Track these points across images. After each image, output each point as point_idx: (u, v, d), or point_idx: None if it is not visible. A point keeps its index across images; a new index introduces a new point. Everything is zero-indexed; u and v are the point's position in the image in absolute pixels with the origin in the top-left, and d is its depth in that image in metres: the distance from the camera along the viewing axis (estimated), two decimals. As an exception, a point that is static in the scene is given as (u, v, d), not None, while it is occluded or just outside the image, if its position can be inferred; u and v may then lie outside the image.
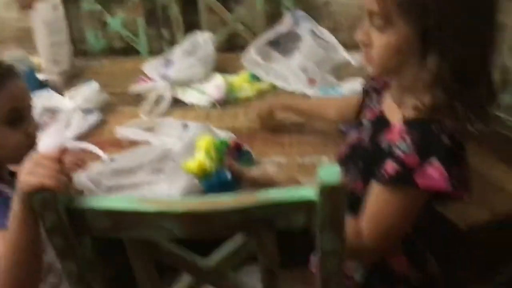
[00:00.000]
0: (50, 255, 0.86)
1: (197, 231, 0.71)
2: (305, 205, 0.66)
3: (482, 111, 0.91)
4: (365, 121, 1.03)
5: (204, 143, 0.99)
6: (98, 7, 1.92)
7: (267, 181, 0.99)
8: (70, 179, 0.78)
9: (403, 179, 0.86)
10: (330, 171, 0.64)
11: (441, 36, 0.84)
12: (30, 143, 1.00)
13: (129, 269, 0.80)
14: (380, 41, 0.89)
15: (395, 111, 0.95)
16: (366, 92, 1.09)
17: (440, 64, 0.85)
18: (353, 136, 1.06)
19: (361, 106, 1.10)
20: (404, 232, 0.94)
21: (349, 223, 0.89)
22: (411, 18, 0.84)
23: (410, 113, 0.90)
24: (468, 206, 1.49)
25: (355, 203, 0.94)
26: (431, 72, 0.85)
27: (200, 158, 0.97)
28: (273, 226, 0.70)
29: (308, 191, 0.66)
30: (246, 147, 1.05)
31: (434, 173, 0.84)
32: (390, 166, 0.87)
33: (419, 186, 0.85)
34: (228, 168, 0.98)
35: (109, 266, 0.87)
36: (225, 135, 1.03)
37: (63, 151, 0.77)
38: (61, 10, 1.69)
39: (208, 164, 0.96)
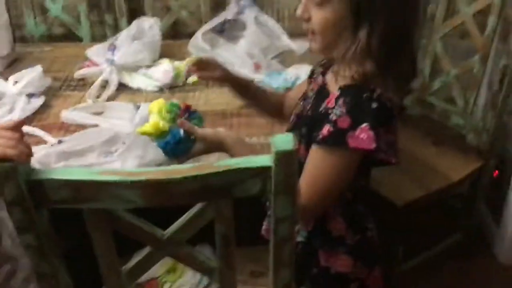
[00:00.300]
0: (5, 243, 0.86)
1: (157, 200, 0.74)
2: (261, 172, 0.71)
3: (406, 85, 1.02)
4: (310, 92, 1.11)
5: (156, 105, 1.03)
6: (38, -9, 1.88)
7: (219, 139, 1.03)
8: (30, 149, 0.79)
9: (336, 139, 0.93)
10: (284, 139, 0.69)
11: (371, 11, 0.92)
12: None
13: (84, 244, 0.81)
14: (318, 16, 0.96)
15: (334, 81, 1.02)
16: (312, 71, 1.16)
17: (370, 36, 0.93)
18: (298, 107, 1.13)
19: (308, 84, 1.16)
20: (338, 192, 1.01)
21: None
22: None
23: (345, 81, 0.97)
24: (404, 184, 1.60)
25: (301, 170, 0.99)
26: (362, 44, 0.93)
27: (153, 119, 1.01)
28: (230, 193, 0.74)
29: (263, 159, 0.71)
30: (195, 108, 1.09)
31: (363, 135, 0.92)
32: (325, 129, 0.94)
33: (349, 147, 0.92)
34: (181, 126, 1.02)
35: (65, 239, 0.88)
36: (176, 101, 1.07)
37: (22, 123, 0.77)
38: (0, -6, 1.65)
39: (161, 123, 1.00)
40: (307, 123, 1.04)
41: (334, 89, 1.00)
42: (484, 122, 1.64)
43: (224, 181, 0.72)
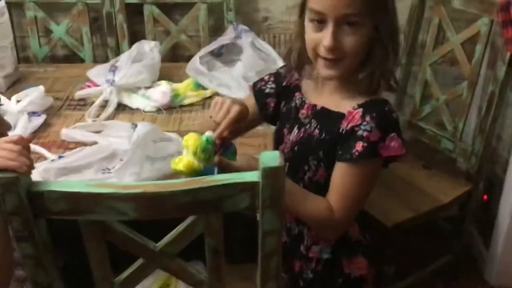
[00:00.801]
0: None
1: (150, 213, 0.78)
2: (249, 187, 0.75)
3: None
4: (302, 118, 1.13)
5: (191, 141, 0.97)
6: (43, 14, 1.94)
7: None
8: (31, 161, 0.83)
9: (371, 153, 1.00)
10: (271, 156, 0.73)
11: (392, 28, 1.02)
12: None
13: (80, 256, 0.85)
14: (352, 41, 1.00)
15: (340, 101, 1.07)
16: (277, 94, 1.20)
17: (389, 52, 1.02)
18: (293, 134, 1.14)
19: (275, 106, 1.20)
20: (367, 200, 1.08)
21: (322, 201, 1.03)
22: (377, 12, 0.99)
23: (361, 99, 1.04)
24: (394, 206, 1.63)
25: (322, 192, 1.06)
26: (386, 61, 1.02)
27: (189, 158, 0.96)
28: (220, 208, 0.78)
29: (252, 175, 0.75)
30: (229, 140, 1.03)
31: (394, 143, 1.01)
32: (358, 145, 1.00)
33: (382, 156, 1.01)
34: (217, 164, 0.98)
35: (63, 251, 0.91)
36: (208, 133, 0.98)
37: (29, 140, 0.82)
38: (6, 15, 1.71)
39: (196, 164, 0.95)
40: (324, 146, 1.08)
41: (345, 108, 1.05)
42: (473, 146, 1.68)
43: (214, 195, 0.76)
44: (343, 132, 1.04)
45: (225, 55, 1.82)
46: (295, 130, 1.14)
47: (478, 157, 1.67)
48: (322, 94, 1.11)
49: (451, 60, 1.90)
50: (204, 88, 1.69)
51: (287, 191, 1.00)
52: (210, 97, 1.66)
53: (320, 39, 1.00)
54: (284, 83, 1.20)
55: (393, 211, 1.61)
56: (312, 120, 1.11)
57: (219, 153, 1.00)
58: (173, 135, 1.33)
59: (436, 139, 1.79)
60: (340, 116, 1.06)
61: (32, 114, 1.50)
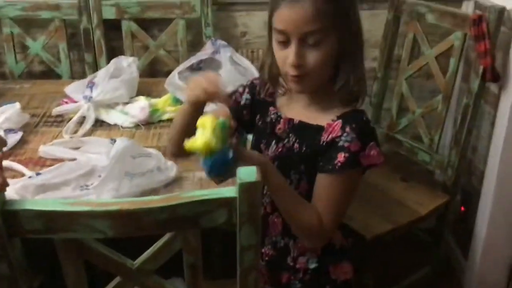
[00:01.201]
0: None
1: (127, 230, 0.77)
2: (226, 202, 0.75)
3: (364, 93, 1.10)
4: (281, 133, 1.13)
5: (208, 122, 0.94)
6: (19, 30, 1.92)
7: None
8: (4, 179, 0.82)
9: (353, 163, 1.02)
10: (248, 171, 0.74)
11: (356, 39, 1.03)
12: None
13: (56, 276, 0.83)
14: (315, 57, 1.00)
15: (317, 114, 1.08)
16: (252, 105, 1.20)
17: (358, 63, 1.04)
18: (271, 149, 1.15)
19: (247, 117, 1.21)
20: (348, 208, 1.10)
21: (314, 209, 1.04)
22: (341, 25, 1.00)
23: (338, 110, 1.06)
24: (372, 218, 1.64)
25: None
26: (356, 71, 1.03)
27: (207, 136, 0.92)
28: (198, 223, 0.77)
29: (229, 190, 0.75)
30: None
31: (373, 152, 1.03)
32: (340, 156, 1.02)
33: (363, 165, 1.03)
34: (233, 147, 0.96)
35: (38, 271, 0.90)
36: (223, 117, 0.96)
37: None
38: (-19, 32, 1.70)
39: (214, 142, 0.93)
40: (305, 160, 1.09)
41: (324, 121, 1.06)
42: (449, 158, 1.71)
43: (191, 211, 0.76)
44: (324, 144, 1.05)
45: (204, 70, 1.82)
46: (273, 146, 1.14)
47: (454, 169, 1.69)
48: (297, 108, 1.12)
49: (426, 73, 1.94)
50: (182, 103, 1.69)
51: (283, 188, 1.03)
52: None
53: (286, 56, 1.02)
54: (258, 96, 1.20)
55: (372, 223, 1.62)
56: (290, 134, 1.12)
57: (235, 135, 1.00)
58: (153, 151, 1.33)
59: (413, 151, 1.82)
60: (319, 128, 1.07)
61: (8, 131, 1.48)
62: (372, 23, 1.94)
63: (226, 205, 0.76)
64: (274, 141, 1.14)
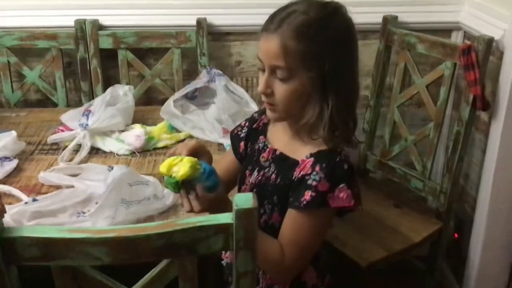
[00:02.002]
0: None
1: (123, 257, 0.77)
2: (223, 228, 0.76)
3: (352, 138, 1.10)
4: (263, 161, 1.16)
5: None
6: (16, 59, 1.95)
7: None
8: (2, 207, 0.82)
9: (319, 203, 1.02)
10: (244, 198, 0.75)
11: (336, 80, 1.02)
12: None
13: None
14: (284, 90, 1.03)
15: (297, 148, 1.09)
16: (247, 136, 1.23)
17: (337, 100, 1.02)
18: (253, 176, 1.17)
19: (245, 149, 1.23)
20: (317, 247, 1.09)
21: (277, 244, 1.04)
22: (311, 66, 1.01)
23: (315, 148, 1.06)
24: (367, 245, 1.65)
25: (276, 236, 1.07)
26: (331, 109, 1.02)
27: (188, 161, 0.96)
28: (194, 250, 0.78)
29: (225, 216, 0.76)
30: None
31: (343, 195, 1.02)
32: (307, 194, 1.02)
33: (331, 207, 1.02)
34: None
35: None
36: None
37: None
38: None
39: (194, 161, 0.97)
40: (278, 192, 1.10)
41: (300, 156, 1.07)
42: (442, 185, 1.73)
43: (188, 238, 0.77)
44: (295, 179, 1.06)
45: (199, 98, 1.85)
46: (255, 173, 1.16)
47: (446, 196, 1.71)
48: (283, 139, 1.14)
49: (418, 101, 1.97)
50: (178, 131, 1.71)
51: None
52: (184, 140, 1.68)
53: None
54: (254, 125, 1.23)
55: (367, 251, 1.63)
56: (271, 164, 1.14)
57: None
58: (150, 178, 1.34)
59: (406, 178, 1.83)
60: (295, 163, 1.08)
61: (4, 159, 1.49)
62: (364, 52, 1.98)
63: (222, 231, 0.77)
64: (257, 169, 1.16)
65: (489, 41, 1.56)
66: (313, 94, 1.03)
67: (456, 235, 1.95)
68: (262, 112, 1.21)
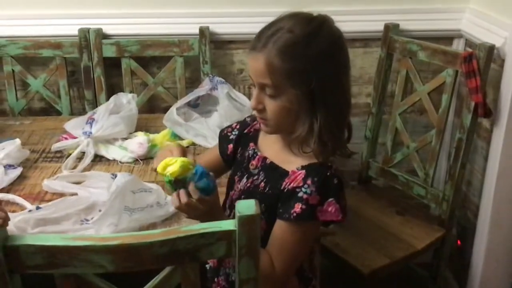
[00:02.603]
0: None
1: (127, 265, 0.78)
2: (225, 235, 0.76)
3: (345, 150, 1.11)
4: (252, 168, 1.17)
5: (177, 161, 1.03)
6: (20, 68, 1.96)
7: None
8: (6, 214, 0.83)
9: (308, 215, 1.03)
10: (246, 204, 0.75)
11: (326, 94, 1.03)
12: None
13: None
14: (274, 106, 1.05)
15: (288, 159, 1.10)
16: (237, 140, 1.25)
17: (326, 115, 1.03)
18: (242, 182, 1.18)
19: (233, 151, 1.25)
20: (304, 257, 1.10)
21: (265, 254, 1.04)
22: (298, 83, 1.02)
23: (306, 160, 1.07)
24: (369, 253, 1.65)
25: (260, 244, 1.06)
26: (321, 123, 1.03)
27: (180, 161, 1.02)
28: (197, 257, 0.79)
29: (228, 223, 0.77)
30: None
31: (331, 209, 1.04)
32: (297, 207, 1.03)
33: (319, 220, 1.04)
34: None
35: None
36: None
37: None
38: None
39: (187, 160, 1.03)
40: (265, 200, 1.10)
41: (291, 167, 1.08)
42: (444, 192, 1.73)
43: (191, 245, 0.77)
44: (285, 190, 1.07)
45: (202, 106, 1.86)
46: (244, 180, 1.17)
47: (449, 203, 1.71)
48: (275, 148, 1.15)
49: (420, 109, 1.98)
50: (180, 139, 1.72)
51: None
52: (187, 147, 1.68)
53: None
54: (245, 130, 1.24)
55: (369, 258, 1.63)
56: (261, 172, 1.15)
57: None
58: (153, 186, 1.34)
59: (408, 185, 1.84)
60: (285, 173, 1.09)
61: (8, 167, 1.50)
62: (366, 60, 1.99)
63: (225, 238, 0.77)
64: (246, 176, 1.17)
65: (490, 49, 1.57)
66: (302, 110, 1.04)
67: (458, 242, 1.95)
68: (254, 118, 1.22)
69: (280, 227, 1.06)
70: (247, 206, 0.75)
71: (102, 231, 1.15)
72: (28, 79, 1.98)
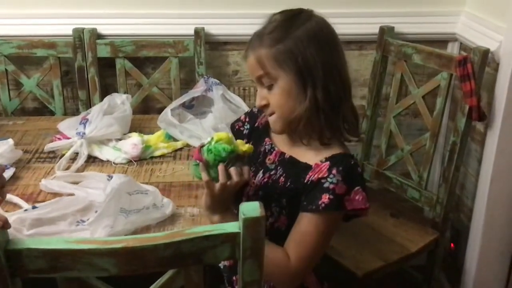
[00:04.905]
0: None
1: (131, 267, 0.77)
2: (230, 237, 0.76)
3: (355, 130, 1.14)
4: (270, 164, 1.17)
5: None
6: (13, 67, 1.94)
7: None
8: (5, 218, 0.82)
9: (337, 205, 1.04)
10: (251, 206, 0.75)
11: (313, 70, 1.05)
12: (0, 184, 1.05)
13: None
14: (274, 96, 1.08)
15: (304, 152, 1.12)
16: (249, 134, 1.27)
17: (323, 95, 1.05)
18: (258, 177, 1.18)
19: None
20: (324, 251, 1.10)
21: (279, 250, 1.04)
22: (286, 64, 1.05)
23: (328, 152, 1.09)
24: (363, 255, 1.65)
25: (281, 239, 1.08)
26: (319, 103, 1.05)
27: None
28: (201, 259, 0.78)
29: (232, 225, 0.76)
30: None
31: (359, 197, 1.05)
32: (325, 197, 1.03)
33: (347, 209, 1.04)
34: None
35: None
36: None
37: None
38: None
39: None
40: (287, 195, 1.11)
41: (313, 160, 1.09)
42: (438, 195, 1.74)
43: (195, 247, 0.77)
44: (308, 183, 1.07)
45: (196, 107, 1.85)
46: (260, 174, 1.17)
47: (443, 206, 1.72)
48: (290, 143, 1.16)
49: (414, 112, 1.99)
50: (175, 140, 1.71)
51: None
52: (181, 149, 1.68)
53: None
54: (255, 124, 1.25)
55: (363, 260, 1.63)
56: (278, 167, 1.15)
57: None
58: (150, 187, 1.33)
59: (402, 188, 1.84)
60: (307, 167, 1.09)
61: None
62: (361, 63, 2.00)
63: (229, 240, 0.77)
64: (261, 170, 1.18)
65: (485, 53, 1.58)
66: (299, 91, 1.06)
67: (452, 245, 1.96)
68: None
69: (303, 219, 1.06)
70: (252, 208, 0.75)
71: (97, 233, 1.13)
72: (21, 78, 1.96)
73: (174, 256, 0.76)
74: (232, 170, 1.05)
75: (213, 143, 1.07)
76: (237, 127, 1.29)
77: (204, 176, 1.06)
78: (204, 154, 1.06)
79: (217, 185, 1.05)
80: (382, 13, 1.93)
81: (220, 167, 1.04)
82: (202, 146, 1.09)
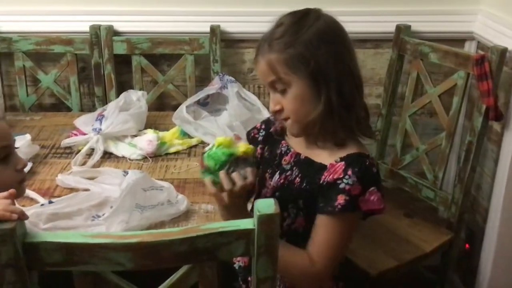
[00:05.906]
0: None
1: (146, 262, 0.78)
2: (245, 234, 0.76)
3: (368, 130, 1.13)
4: (286, 164, 1.17)
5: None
6: (31, 63, 1.96)
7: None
8: (21, 210, 0.83)
9: (352, 206, 1.03)
10: (266, 203, 0.75)
11: (325, 73, 1.04)
12: (21, 179, 1.08)
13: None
14: (287, 100, 1.07)
15: (319, 153, 1.11)
16: (264, 140, 1.26)
17: (337, 97, 1.04)
18: (274, 179, 1.18)
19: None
20: (345, 251, 1.11)
21: (303, 254, 1.05)
22: (298, 69, 1.04)
23: (342, 152, 1.08)
24: (377, 255, 1.65)
25: (299, 241, 1.08)
26: (332, 105, 1.04)
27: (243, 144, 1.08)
28: (216, 256, 0.78)
29: (246, 222, 0.77)
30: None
31: (374, 198, 1.04)
32: (340, 199, 1.03)
33: (362, 209, 1.04)
34: None
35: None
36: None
37: (12, 193, 0.83)
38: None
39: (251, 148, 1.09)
40: (303, 195, 1.11)
41: (328, 160, 1.09)
42: (453, 195, 1.72)
43: (210, 243, 0.77)
44: (324, 183, 1.07)
45: (211, 104, 1.86)
46: (276, 176, 1.17)
47: (458, 206, 1.71)
48: (305, 144, 1.15)
49: (430, 111, 1.97)
50: (190, 137, 1.72)
51: None
52: (196, 146, 1.69)
53: None
54: (271, 129, 1.25)
55: (377, 260, 1.62)
56: (294, 168, 1.15)
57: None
58: (165, 184, 1.34)
59: (417, 188, 1.83)
60: (322, 167, 1.09)
61: (18, 162, 1.50)
62: (376, 61, 1.99)
63: (244, 237, 0.77)
64: (278, 172, 1.18)
65: (503, 52, 1.57)
66: (312, 95, 1.05)
67: (467, 245, 1.94)
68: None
69: (322, 221, 1.06)
70: (266, 205, 0.75)
71: (113, 228, 1.14)
72: (39, 75, 1.98)
73: (189, 252, 0.77)
74: (235, 175, 1.04)
75: (214, 148, 1.07)
76: (252, 134, 1.28)
77: (211, 189, 1.06)
78: (205, 161, 1.06)
79: (224, 195, 1.05)
80: (399, 11, 1.92)
81: (221, 174, 1.04)
82: (205, 153, 1.09)
